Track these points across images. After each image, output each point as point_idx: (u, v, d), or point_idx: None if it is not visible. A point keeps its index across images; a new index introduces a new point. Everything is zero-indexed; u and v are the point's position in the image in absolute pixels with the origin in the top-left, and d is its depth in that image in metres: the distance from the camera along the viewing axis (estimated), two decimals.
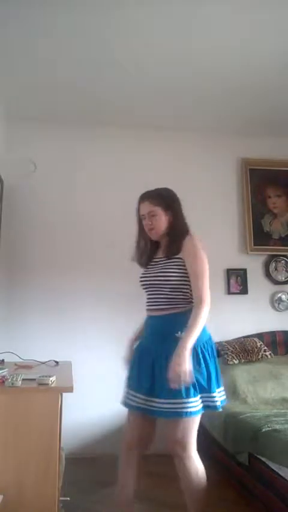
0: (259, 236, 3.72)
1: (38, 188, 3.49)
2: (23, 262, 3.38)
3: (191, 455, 1.86)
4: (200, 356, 1.88)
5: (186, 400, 1.80)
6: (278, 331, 3.58)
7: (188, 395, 1.80)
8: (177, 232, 1.99)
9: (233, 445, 2.55)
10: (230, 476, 2.65)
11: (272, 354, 3.33)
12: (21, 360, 2.54)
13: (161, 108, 3.37)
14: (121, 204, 3.52)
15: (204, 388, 1.86)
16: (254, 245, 3.69)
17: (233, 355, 3.23)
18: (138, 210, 2.08)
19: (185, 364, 1.75)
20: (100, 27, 2.43)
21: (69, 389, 1.83)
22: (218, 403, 1.89)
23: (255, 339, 3.42)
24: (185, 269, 1.93)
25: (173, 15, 2.33)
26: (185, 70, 2.85)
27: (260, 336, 3.50)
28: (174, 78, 2.95)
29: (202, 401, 1.86)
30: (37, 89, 3.10)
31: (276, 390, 3.03)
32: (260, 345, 3.35)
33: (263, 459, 2.24)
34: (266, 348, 3.35)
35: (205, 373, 1.87)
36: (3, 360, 2.49)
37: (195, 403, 1.82)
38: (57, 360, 2.56)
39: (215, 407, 1.88)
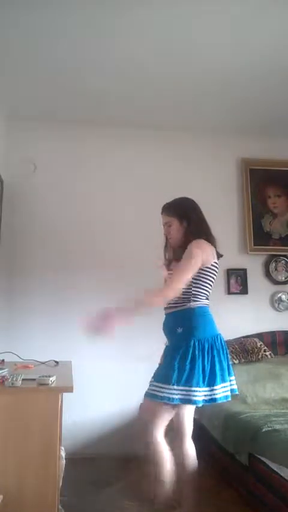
0: (259, 236, 3.72)
1: (38, 188, 3.49)
2: (23, 262, 3.38)
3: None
4: (190, 351, 1.97)
5: (161, 385, 1.97)
6: (278, 331, 3.58)
7: (165, 382, 1.96)
8: (189, 239, 2.13)
9: (233, 445, 2.55)
10: (230, 476, 2.65)
11: (272, 354, 3.33)
12: (21, 360, 2.54)
13: (161, 108, 3.37)
14: (121, 204, 3.53)
15: (183, 382, 1.95)
16: (254, 245, 3.69)
17: (233, 355, 3.22)
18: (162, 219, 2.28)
19: (111, 320, 2.00)
20: (100, 27, 2.43)
21: (69, 389, 1.83)
22: (198, 398, 1.95)
23: (255, 339, 3.42)
24: (198, 274, 2.09)
25: (173, 15, 2.34)
26: (185, 70, 2.85)
27: (260, 336, 3.50)
28: (174, 78, 2.95)
29: (179, 394, 1.94)
30: (37, 89, 3.10)
31: (276, 390, 3.03)
32: (260, 345, 3.35)
33: (263, 459, 2.24)
34: (266, 348, 3.35)
35: (187, 369, 1.96)
36: (3, 360, 2.49)
37: (169, 391, 1.94)
38: (57, 360, 2.56)
39: (194, 401, 1.96)
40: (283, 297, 3.70)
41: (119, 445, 3.19)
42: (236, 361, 3.21)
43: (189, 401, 1.96)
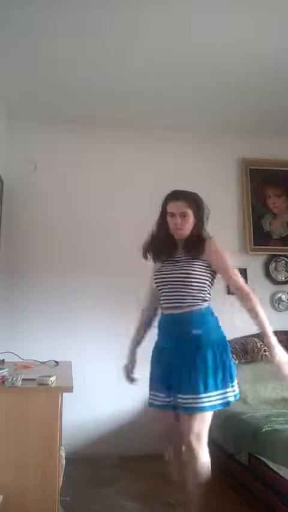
0: (259, 236, 3.72)
1: (38, 188, 3.48)
2: (23, 262, 3.38)
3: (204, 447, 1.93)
4: (217, 353, 1.96)
5: (204, 395, 1.87)
6: (278, 331, 3.57)
7: (206, 391, 1.87)
8: (200, 234, 2.07)
9: (233, 445, 2.55)
10: (230, 476, 2.65)
11: None
12: (21, 360, 2.54)
13: (161, 108, 3.37)
14: (121, 204, 3.53)
15: (220, 386, 1.92)
16: (254, 245, 3.69)
17: (233, 355, 3.22)
18: (166, 206, 2.09)
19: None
20: (100, 27, 2.43)
21: (69, 389, 1.84)
22: (231, 399, 1.93)
23: (255, 339, 3.42)
24: (208, 270, 2.03)
25: (173, 14, 2.33)
26: (185, 70, 2.85)
27: (260, 336, 3.49)
28: (174, 78, 2.94)
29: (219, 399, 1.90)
30: (37, 89, 3.10)
31: (276, 390, 3.03)
32: (260, 345, 3.35)
33: (263, 459, 2.24)
34: (266, 348, 3.35)
35: (221, 371, 1.93)
36: (3, 360, 2.49)
37: (212, 398, 1.89)
38: (57, 360, 2.56)
39: (229, 402, 1.93)
40: (283, 297, 3.70)
41: (119, 445, 3.19)
42: (236, 361, 3.21)
43: (227, 404, 1.93)
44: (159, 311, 2.14)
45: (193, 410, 1.88)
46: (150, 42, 2.57)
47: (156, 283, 2.10)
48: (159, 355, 2.06)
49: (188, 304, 1.99)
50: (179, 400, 1.89)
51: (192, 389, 1.87)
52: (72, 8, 2.29)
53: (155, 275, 2.10)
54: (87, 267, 3.41)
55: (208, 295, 2.04)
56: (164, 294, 2.05)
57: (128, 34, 2.50)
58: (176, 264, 2.05)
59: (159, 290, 2.08)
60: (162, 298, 2.06)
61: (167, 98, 3.22)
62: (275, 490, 2.10)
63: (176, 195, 2.09)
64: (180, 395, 1.89)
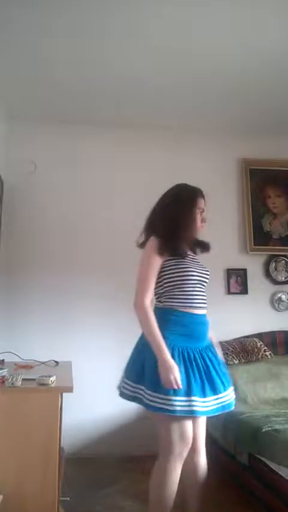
0: (259, 236, 3.72)
1: (38, 188, 3.49)
2: (23, 262, 3.38)
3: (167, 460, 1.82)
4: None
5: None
6: (278, 331, 3.58)
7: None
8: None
9: (233, 445, 2.55)
10: (230, 476, 2.65)
11: (272, 354, 3.33)
12: (21, 360, 2.54)
13: (161, 108, 3.36)
14: (121, 204, 3.53)
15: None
16: (254, 245, 3.69)
17: (233, 355, 3.23)
18: (196, 200, 2.02)
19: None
20: (100, 27, 2.43)
21: (69, 389, 1.84)
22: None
23: (255, 339, 3.42)
24: None
25: (173, 14, 2.33)
26: (185, 70, 2.85)
27: (260, 336, 3.50)
28: (175, 78, 2.94)
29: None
30: (37, 89, 3.10)
31: (276, 390, 3.03)
32: (260, 345, 3.35)
33: (263, 459, 2.24)
34: (266, 348, 3.35)
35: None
36: (3, 360, 2.49)
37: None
38: (57, 360, 2.56)
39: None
40: (283, 297, 3.70)
41: (119, 445, 3.19)
42: (236, 361, 3.21)
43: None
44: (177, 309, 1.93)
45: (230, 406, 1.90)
46: (150, 42, 2.57)
47: (199, 279, 1.95)
48: (196, 358, 1.88)
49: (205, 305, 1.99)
50: (220, 401, 1.85)
51: (225, 389, 1.89)
52: (72, 8, 2.29)
53: (199, 272, 1.96)
54: (87, 266, 3.42)
55: None
56: (198, 292, 1.93)
57: (128, 34, 2.50)
58: (198, 262, 2.01)
59: (188, 287, 1.91)
60: (194, 296, 1.92)
61: (167, 98, 3.22)
62: (275, 490, 2.10)
63: (202, 193, 2.07)
64: (220, 396, 1.85)
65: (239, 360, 3.23)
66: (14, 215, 3.39)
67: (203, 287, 1.97)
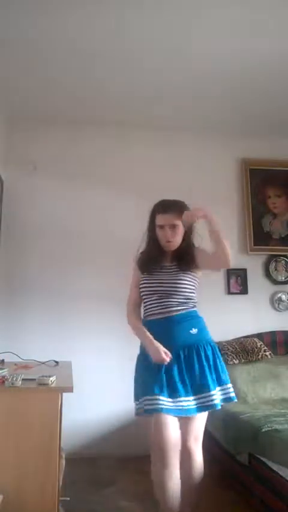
0: (259, 236, 3.72)
1: (38, 188, 3.49)
2: (23, 262, 3.38)
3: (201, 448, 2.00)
4: (216, 351, 2.05)
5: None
6: (278, 331, 3.58)
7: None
8: (189, 245, 2.08)
9: (233, 445, 2.55)
10: (230, 476, 2.65)
11: (272, 354, 3.33)
12: (21, 360, 2.54)
13: (161, 108, 3.37)
14: (121, 205, 3.53)
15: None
16: (254, 245, 3.69)
17: (233, 355, 3.23)
18: (155, 218, 2.07)
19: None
20: (100, 28, 2.43)
21: (69, 389, 1.84)
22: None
23: (255, 339, 3.42)
24: (196, 281, 2.08)
25: (173, 16, 2.33)
26: (185, 70, 2.85)
27: (260, 336, 3.50)
28: (174, 78, 2.95)
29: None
30: (37, 89, 3.10)
31: (276, 390, 3.03)
32: (260, 345, 3.35)
33: (263, 459, 2.24)
34: (266, 348, 3.35)
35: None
36: (3, 360, 2.49)
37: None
38: (57, 360, 2.56)
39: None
40: (283, 297, 3.70)
41: (119, 445, 3.19)
42: (236, 361, 3.21)
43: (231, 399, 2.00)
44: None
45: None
46: (150, 43, 2.57)
47: (146, 290, 2.07)
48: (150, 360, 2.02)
49: (177, 308, 2.04)
50: (195, 401, 1.91)
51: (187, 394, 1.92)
52: (73, 8, 2.29)
53: (146, 283, 2.07)
54: (87, 266, 3.42)
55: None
56: (153, 301, 2.05)
57: (128, 34, 2.50)
58: (167, 274, 2.05)
59: (145, 298, 2.08)
60: (150, 306, 2.07)
61: (167, 98, 3.22)
62: (275, 490, 2.10)
63: (164, 207, 2.05)
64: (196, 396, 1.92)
65: (239, 360, 3.23)
66: (13, 215, 3.39)
67: (155, 295, 2.03)
